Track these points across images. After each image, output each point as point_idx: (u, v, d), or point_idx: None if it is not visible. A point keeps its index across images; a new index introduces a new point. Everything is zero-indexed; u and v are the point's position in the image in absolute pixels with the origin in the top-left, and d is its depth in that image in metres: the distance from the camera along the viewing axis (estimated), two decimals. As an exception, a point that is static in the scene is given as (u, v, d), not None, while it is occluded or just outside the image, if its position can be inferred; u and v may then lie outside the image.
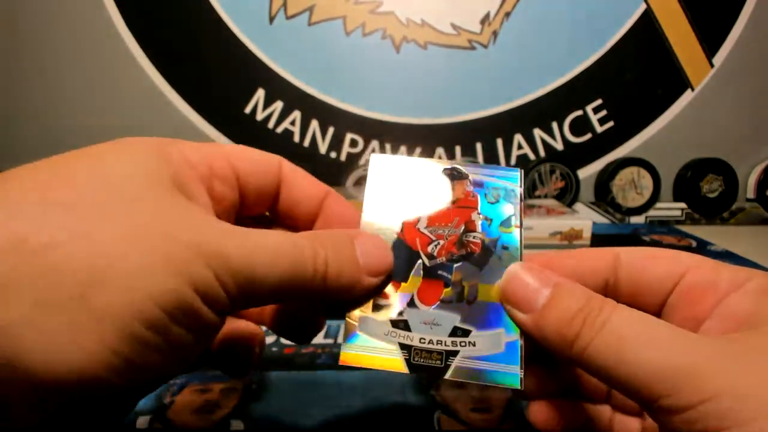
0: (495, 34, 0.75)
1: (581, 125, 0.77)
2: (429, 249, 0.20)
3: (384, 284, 0.19)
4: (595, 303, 0.16)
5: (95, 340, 0.13)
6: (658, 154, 0.76)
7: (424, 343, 0.18)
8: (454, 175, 0.21)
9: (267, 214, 0.22)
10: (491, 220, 0.20)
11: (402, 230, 0.20)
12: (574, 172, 0.77)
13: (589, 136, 0.77)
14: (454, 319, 0.19)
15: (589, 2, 0.73)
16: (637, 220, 0.77)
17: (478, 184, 0.21)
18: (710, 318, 0.17)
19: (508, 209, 0.20)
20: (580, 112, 0.77)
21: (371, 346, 0.18)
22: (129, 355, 0.13)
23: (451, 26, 0.75)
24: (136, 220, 0.14)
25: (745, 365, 0.13)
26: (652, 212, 0.77)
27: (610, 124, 0.77)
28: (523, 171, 0.21)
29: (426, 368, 0.18)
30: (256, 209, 0.21)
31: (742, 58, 0.73)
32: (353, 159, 0.79)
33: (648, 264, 0.19)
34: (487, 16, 0.74)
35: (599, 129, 0.77)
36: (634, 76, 0.75)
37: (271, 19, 0.75)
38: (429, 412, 0.28)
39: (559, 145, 0.78)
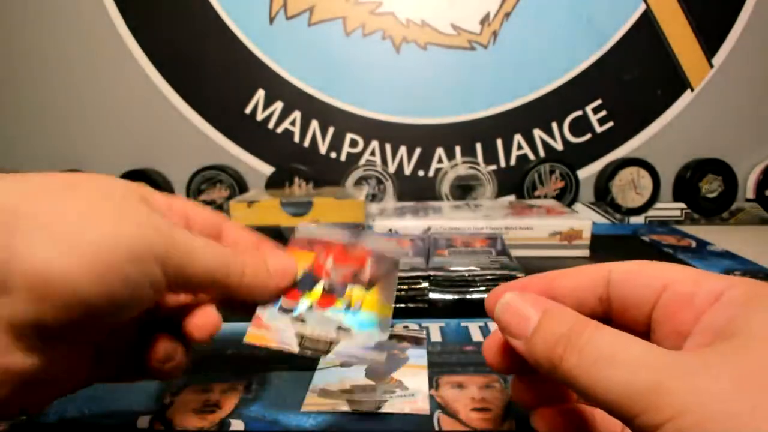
0: (495, 34, 0.75)
1: (581, 125, 0.77)
2: (331, 275, 0.27)
3: (287, 289, 0.25)
4: (579, 326, 0.17)
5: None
6: (657, 154, 0.76)
7: (314, 332, 0.24)
8: (357, 236, 0.28)
9: None
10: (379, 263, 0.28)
11: (312, 267, 0.27)
12: (573, 172, 0.77)
13: (588, 136, 0.77)
14: (339, 319, 0.25)
15: (588, 3, 0.73)
16: (637, 220, 0.77)
17: (370, 253, 0.28)
18: (692, 334, 0.17)
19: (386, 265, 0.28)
20: (579, 113, 0.77)
21: (273, 332, 0.24)
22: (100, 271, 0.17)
23: (451, 27, 0.75)
24: (109, 202, 0.19)
25: (710, 379, 0.13)
26: (651, 212, 0.77)
27: (610, 124, 0.77)
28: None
29: (312, 350, 0.24)
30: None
31: (742, 58, 0.74)
32: (353, 159, 0.79)
33: (631, 278, 0.20)
34: (487, 16, 0.74)
35: (599, 129, 0.77)
36: (634, 77, 0.75)
37: (272, 20, 0.75)
38: (429, 412, 0.28)
39: (558, 146, 0.78)
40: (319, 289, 0.26)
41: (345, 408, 0.28)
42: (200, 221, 0.25)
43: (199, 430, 0.26)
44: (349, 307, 0.25)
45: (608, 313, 0.20)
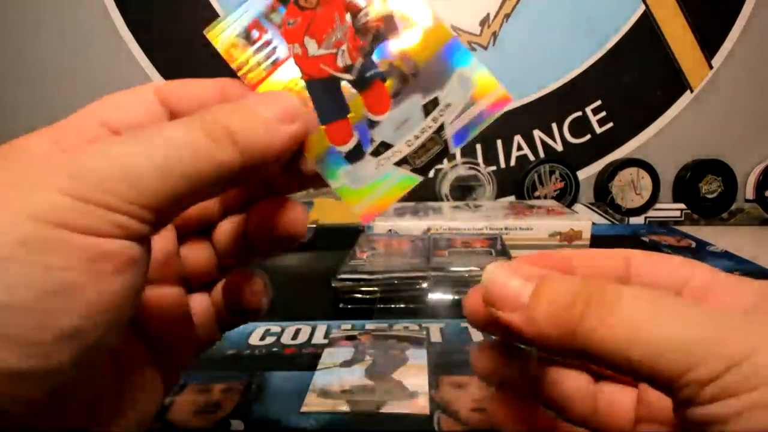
0: (495, 35, 0.75)
1: (581, 126, 0.77)
2: (339, 63, 0.17)
3: (305, 127, 0.17)
4: (595, 286, 0.15)
5: None
6: (657, 155, 0.76)
7: (412, 144, 0.17)
8: None
9: None
10: None
11: (301, 70, 0.18)
12: (573, 172, 0.77)
13: (588, 137, 0.78)
14: (417, 101, 0.17)
15: (588, 4, 0.73)
16: (637, 220, 0.77)
17: None
18: None
19: None
20: (579, 113, 0.77)
21: (375, 189, 0.17)
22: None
23: (450, 28, 0.75)
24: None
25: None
26: (651, 213, 0.77)
27: (610, 125, 0.77)
28: None
29: (432, 160, 0.17)
30: None
31: (741, 59, 0.74)
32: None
33: (656, 266, 0.18)
34: (487, 17, 0.75)
35: (599, 130, 0.77)
36: (634, 78, 0.75)
37: (271, 21, 0.75)
38: (429, 412, 0.28)
39: (558, 146, 0.78)
40: (353, 94, 0.17)
41: (345, 408, 0.28)
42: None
43: (199, 430, 0.26)
44: (404, 76, 0.17)
45: None
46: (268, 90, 0.17)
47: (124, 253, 0.14)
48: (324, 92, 0.17)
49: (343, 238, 0.54)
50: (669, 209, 0.77)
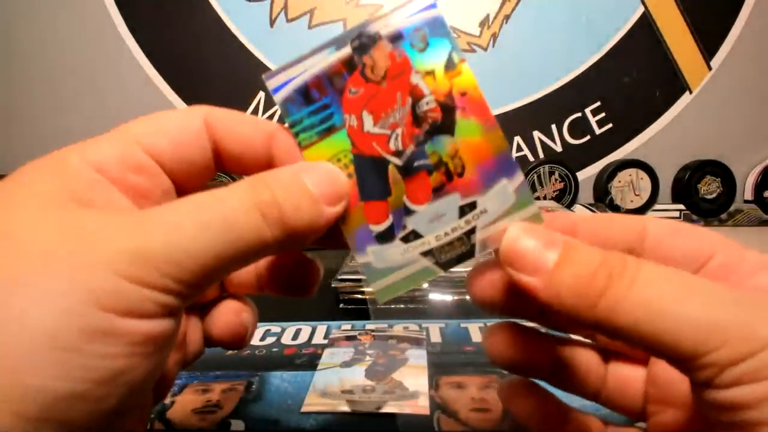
0: (494, 36, 0.75)
1: (580, 127, 0.77)
2: (391, 146, 0.17)
3: (347, 206, 0.17)
4: (616, 258, 0.15)
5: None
6: (656, 155, 0.76)
7: (441, 239, 0.17)
8: (365, 44, 0.17)
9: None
10: (433, 71, 0.17)
11: (353, 143, 0.17)
12: (572, 173, 0.77)
13: (587, 138, 0.78)
14: (455, 200, 0.17)
15: (587, 5, 0.73)
16: (636, 221, 0.77)
17: (396, 37, 0.17)
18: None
19: (443, 47, 0.17)
20: (578, 114, 0.77)
21: (396, 272, 0.18)
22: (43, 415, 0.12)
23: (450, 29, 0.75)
24: (19, 268, 0.13)
25: None
26: (650, 214, 0.77)
27: (609, 126, 0.77)
28: None
29: (456, 259, 0.18)
30: (198, 181, 0.18)
31: (740, 60, 0.74)
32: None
33: (677, 240, 0.17)
34: (486, 18, 0.75)
35: (598, 131, 0.77)
36: (633, 79, 0.75)
37: (272, 22, 0.75)
38: (429, 412, 0.28)
39: (558, 147, 0.78)
40: (396, 176, 0.18)
41: (345, 408, 0.28)
42: (178, 159, 0.17)
43: (199, 430, 0.26)
44: (450, 173, 0.17)
45: None
46: (317, 162, 0.17)
47: (164, 332, 0.14)
48: (370, 170, 0.18)
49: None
50: (668, 210, 0.77)
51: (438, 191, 0.17)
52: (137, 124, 0.17)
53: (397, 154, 0.17)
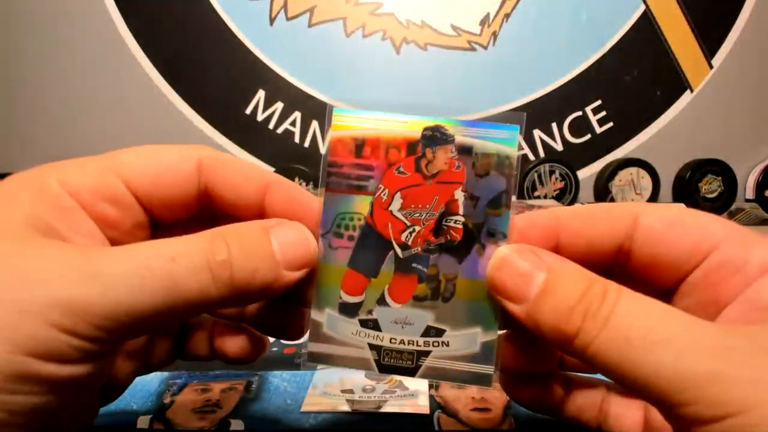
0: (495, 35, 0.75)
1: (581, 126, 0.77)
2: (403, 237, 0.17)
3: (308, 274, 0.17)
4: (597, 289, 0.14)
5: None
6: (657, 154, 0.76)
7: (394, 343, 0.17)
8: (436, 139, 0.17)
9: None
10: (477, 198, 0.17)
11: (372, 213, 0.17)
12: (573, 172, 0.77)
13: (588, 136, 0.78)
14: (427, 317, 0.17)
15: (588, 3, 0.73)
16: (637, 220, 0.77)
17: (465, 150, 0.17)
18: (734, 302, 0.15)
19: (500, 184, 0.17)
20: (579, 113, 0.77)
21: (339, 345, 0.17)
22: None
23: (450, 27, 0.75)
24: None
25: None
26: (651, 213, 0.77)
27: (610, 124, 0.77)
28: (522, 128, 0.17)
29: (396, 369, 0.17)
30: (178, 216, 0.18)
31: (741, 59, 0.74)
32: (353, 160, 0.79)
33: (671, 231, 0.16)
34: (487, 17, 0.75)
35: (599, 130, 0.77)
36: (634, 78, 0.75)
37: (272, 21, 0.75)
38: (429, 412, 0.28)
39: (558, 146, 0.78)
40: (390, 265, 0.17)
41: (345, 408, 0.28)
42: (160, 196, 0.17)
43: (199, 430, 0.26)
44: (437, 292, 0.17)
45: (625, 265, 0.17)
46: (292, 223, 0.17)
47: (88, 374, 0.14)
48: (372, 245, 0.17)
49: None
50: (669, 209, 0.77)
51: (418, 300, 0.17)
52: (126, 154, 0.17)
53: (404, 246, 0.17)
